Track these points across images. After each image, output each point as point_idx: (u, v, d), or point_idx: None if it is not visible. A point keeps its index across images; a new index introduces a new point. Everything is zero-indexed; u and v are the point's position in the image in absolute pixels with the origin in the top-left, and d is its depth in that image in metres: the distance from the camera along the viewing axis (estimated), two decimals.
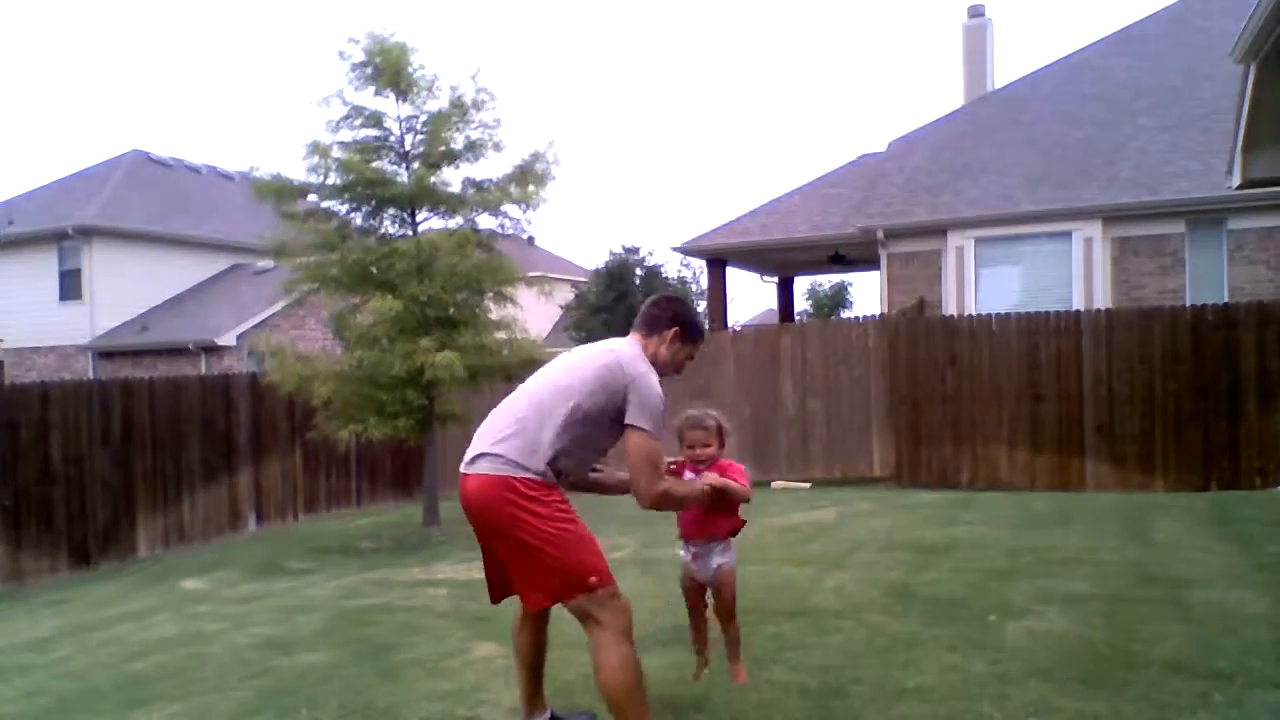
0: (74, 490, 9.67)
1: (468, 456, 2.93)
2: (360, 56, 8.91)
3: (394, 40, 8.92)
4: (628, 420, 2.87)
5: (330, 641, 4.88)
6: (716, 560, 3.24)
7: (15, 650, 5.77)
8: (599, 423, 2.90)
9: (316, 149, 8.87)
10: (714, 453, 3.20)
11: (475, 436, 2.98)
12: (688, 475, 3.23)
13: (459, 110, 9.14)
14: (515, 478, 2.79)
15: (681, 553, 3.39)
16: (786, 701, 3.36)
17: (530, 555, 2.78)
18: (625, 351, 3.01)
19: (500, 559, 2.94)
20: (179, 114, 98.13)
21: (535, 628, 3.12)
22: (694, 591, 3.28)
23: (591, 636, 2.77)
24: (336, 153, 9.00)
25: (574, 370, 2.97)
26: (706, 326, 3.30)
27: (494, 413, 3.02)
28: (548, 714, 3.19)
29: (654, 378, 2.96)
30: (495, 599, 3.14)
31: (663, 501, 2.92)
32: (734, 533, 3.32)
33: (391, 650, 4.53)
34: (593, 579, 2.76)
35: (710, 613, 3.38)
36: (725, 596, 3.19)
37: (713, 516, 3.20)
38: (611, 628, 2.74)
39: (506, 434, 2.87)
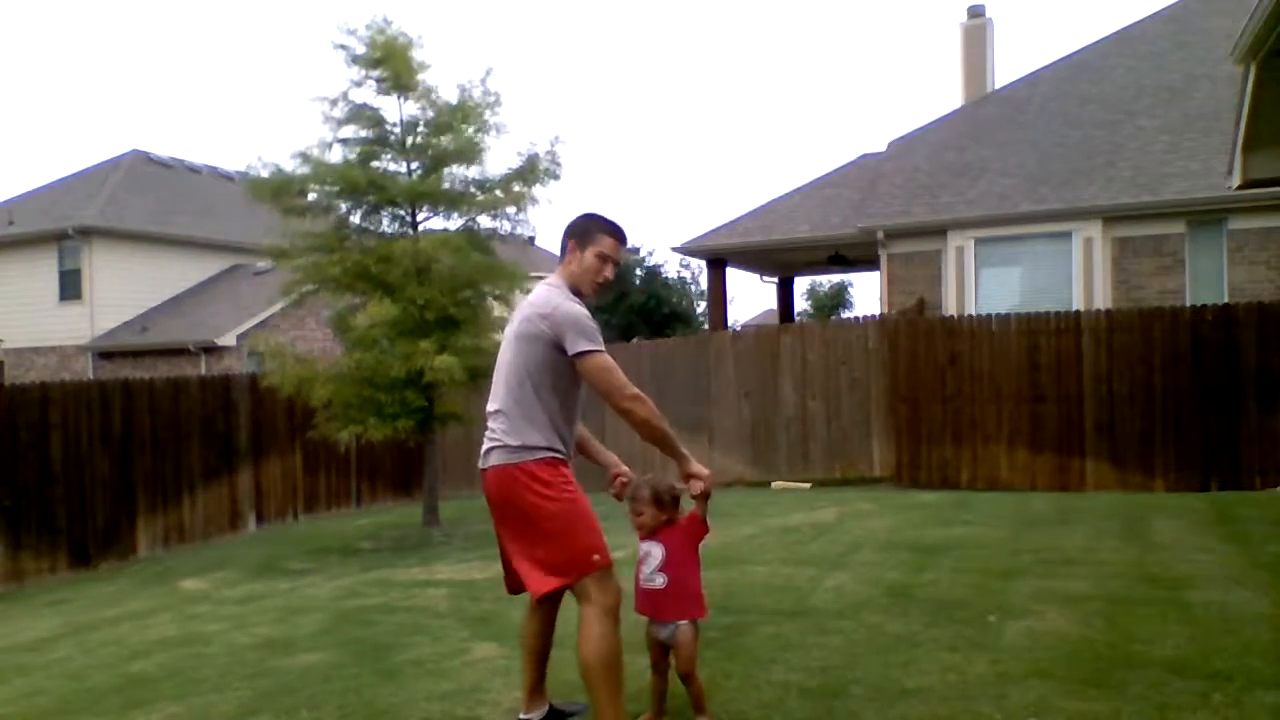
0: (74, 490, 9.67)
1: (482, 450, 3.11)
2: (360, 49, 8.85)
3: (394, 31, 8.84)
4: (571, 353, 2.95)
5: (330, 641, 4.88)
6: (675, 623, 3.07)
7: (15, 650, 5.77)
8: (556, 367, 3.01)
9: (307, 159, 8.85)
10: (648, 520, 3.08)
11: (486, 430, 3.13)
12: (643, 549, 3.12)
13: (463, 112, 9.12)
14: (521, 463, 2.96)
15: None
16: (786, 701, 3.36)
17: (540, 532, 2.92)
18: (539, 294, 3.10)
19: (511, 545, 3.06)
20: (179, 114, 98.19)
21: (544, 616, 3.20)
22: (655, 648, 3.13)
23: (582, 611, 2.90)
24: (335, 155, 8.98)
25: (510, 338, 3.11)
26: (616, 223, 3.19)
27: (490, 393, 3.18)
28: (546, 708, 3.23)
29: (570, 304, 3.02)
30: (511, 590, 3.26)
31: (638, 404, 2.92)
32: (694, 613, 3.12)
33: (391, 650, 4.53)
34: (595, 557, 2.90)
35: (674, 673, 3.17)
36: (682, 656, 3.05)
37: (665, 601, 3.07)
38: (599, 604, 2.87)
39: (501, 420, 3.04)
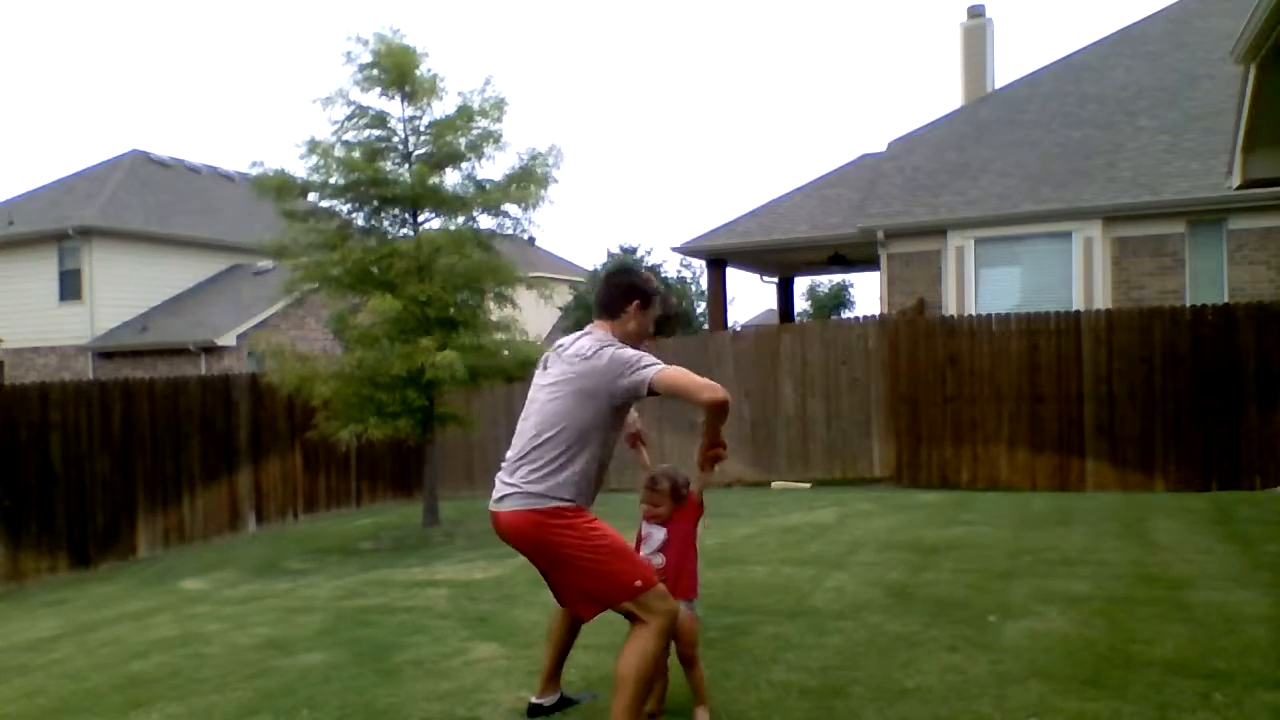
0: (74, 490, 9.67)
1: (495, 494, 3.08)
2: (367, 58, 8.89)
3: (402, 42, 8.90)
4: (649, 388, 2.94)
5: (330, 641, 4.88)
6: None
7: (15, 650, 5.77)
8: (604, 424, 3.05)
9: (315, 148, 8.86)
10: (665, 512, 3.21)
11: (501, 468, 3.12)
12: (645, 529, 3.26)
13: (466, 116, 9.14)
14: (540, 510, 2.95)
15: None
16: (786, 701, 3.36)
17: (575, 571, 2.97)
18: (591, 348, 3.07)
19: (550, 576, 3.10)
20: (179, 114, 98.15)
21: (572, 616, 3.31)
22: None
23: (637, 626, 2.93)
24: (339, 152, 9.00)
25: (555, 382, 3.07)
26: (661, 288, 3.38)
27: (514, 442, 3.14)
28: (558, 695, 3.42)
29: (624, 350, 3.05)
30: (561, 603, 3.27)
31: (716, 392, 2.88)
32: (688, 593, 3.23)
33: (391, 650, 4.53)
34: (637, 583, 2.92)
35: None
36: (684, 639, 3.14)
37: (664, 580, 3.12)
38: (653, 624, 2.90)
39: (526, 466, 3.02)
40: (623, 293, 3.23)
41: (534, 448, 3.01)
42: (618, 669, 2.90)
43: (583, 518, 2.99)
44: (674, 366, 2.98)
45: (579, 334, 3.22)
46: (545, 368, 3.19)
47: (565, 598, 3.14)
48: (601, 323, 3.24)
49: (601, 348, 3.04)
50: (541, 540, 2.96)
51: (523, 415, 3.17)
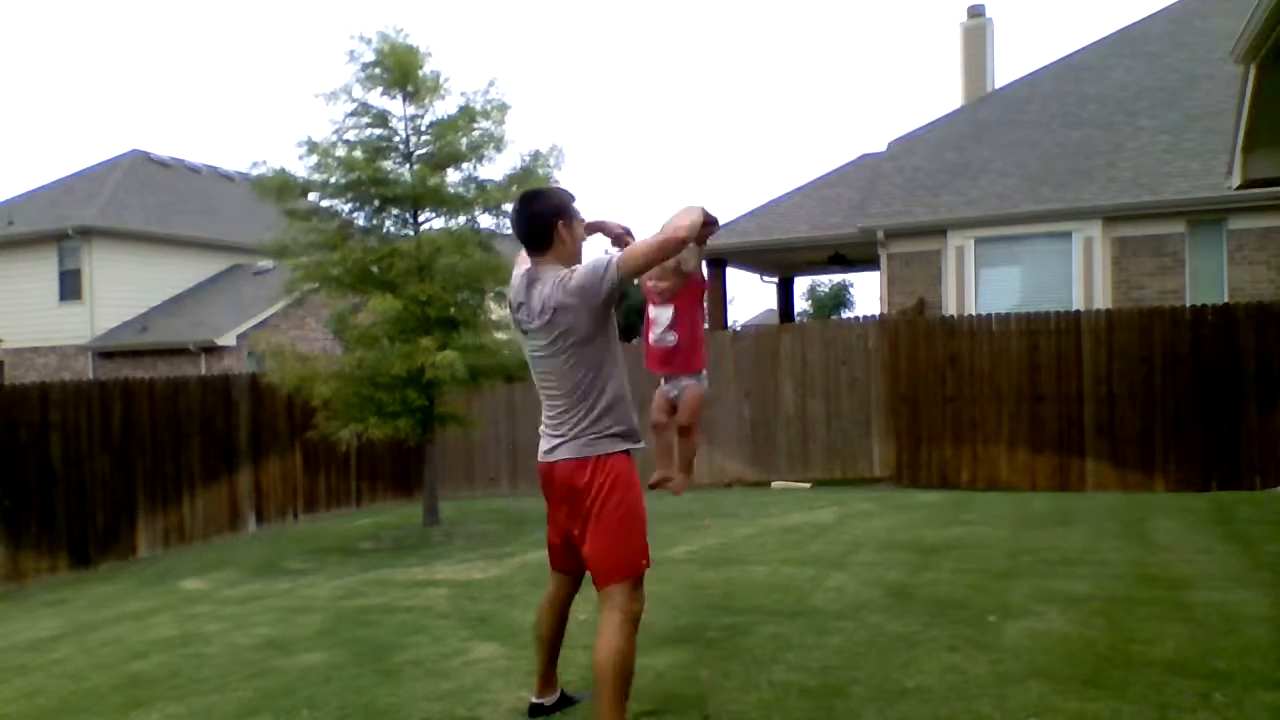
0: (74, 490, 9.66)
1: (543, 447, 3.12)
2: (370, 56, 8.89)
3: (405, 42, 8.91)
4: (623, 279, 2.94)
5: (330, 641, 4.88)
6: (685, 382, 3.47)
7: (15, 650, 5.77)
8: (610, 347, 3.04)
9: (315, 148, 8.86)
10: (670, 286, 3.42)
11: (541, 428, 3.16)
12: (653, 312, 3.48)
13: (468, 116, 9.14)
14: (592, 457, 3.00)
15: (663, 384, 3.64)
16: (786, 701, 3.36)
17: (607, 520, 2.98)
18: (555, 294, 2.98)
19: (574, 536, 3.09)
20: (179, 114, 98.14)
21: (559, 611, 3.32)
22: (663, 409, 3.44)
23: (606, 615, 2.94)
24: (339, 151, 9.00)
25: (565, 349, 3.01)
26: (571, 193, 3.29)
27: (545, 405, 3.15)
28: (558, 693, 3.40)
29: (577, 270, 2.99)
30: (555, 567, 3.32)
31: (679, 234, 2.92)
32: (696, 371, 3.50)
33: (391, 650, 4.53)
34: (644, 562, 3.01)
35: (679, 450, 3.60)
36: (687, 409, 3.40)
37: (676, 355, 3.44)
38: (627, 612, 2.93)
39: (570, 420, 3.05)
40: (545, 219, 3.09)
41: (572, 405, 3.03)
42: (597, 664, 2.88)
43: (629, 470, 3.03)
44: (627, 248, 2.99)
45: (529, 282, 3.09)
46: (524, 331, 3.10)
47: (587, 561, 3.06)
48: (540, 257, 3.10)
49: (562, 284, 2.96)
50: (590, 485, 2.97)
51: (536, 379, 3.14)
